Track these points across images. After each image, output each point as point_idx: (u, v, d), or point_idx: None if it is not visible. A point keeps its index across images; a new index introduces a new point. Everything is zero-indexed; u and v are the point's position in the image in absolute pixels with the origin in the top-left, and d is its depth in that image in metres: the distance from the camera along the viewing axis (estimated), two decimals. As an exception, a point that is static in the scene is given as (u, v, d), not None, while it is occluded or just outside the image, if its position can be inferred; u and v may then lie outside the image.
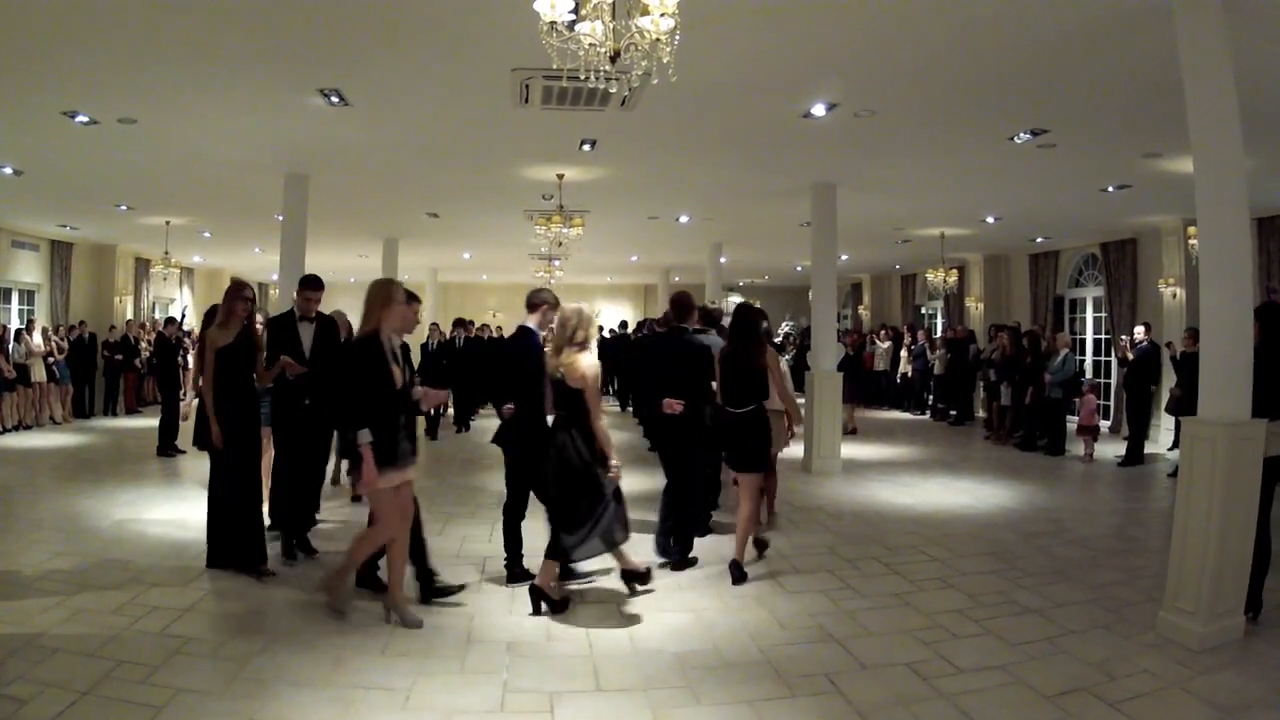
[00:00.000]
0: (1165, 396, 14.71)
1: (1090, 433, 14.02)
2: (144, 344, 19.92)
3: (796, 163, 11.72)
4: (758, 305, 7.98)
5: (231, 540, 7.20)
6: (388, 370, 6.00)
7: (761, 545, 8.06)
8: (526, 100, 8.81)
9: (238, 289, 7.55)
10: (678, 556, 7.64)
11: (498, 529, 8.82)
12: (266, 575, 7.07)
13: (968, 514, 9.90)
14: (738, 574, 7.22)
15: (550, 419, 6.69)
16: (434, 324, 18.12)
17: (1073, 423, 15.58)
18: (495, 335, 23.91)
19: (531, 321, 7.15)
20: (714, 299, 10.20)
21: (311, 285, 8.28)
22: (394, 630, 5.97)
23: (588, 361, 6.26)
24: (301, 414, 7.81)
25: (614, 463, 6.36)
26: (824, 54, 7.65)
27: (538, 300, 7.16)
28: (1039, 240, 19.38)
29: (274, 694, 4.94)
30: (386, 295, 6.19)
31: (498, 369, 7.75)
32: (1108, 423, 17.08)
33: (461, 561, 7.67)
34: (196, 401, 7.59)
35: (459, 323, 18.84)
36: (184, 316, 24.28)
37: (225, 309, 7.39)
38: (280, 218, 13.04)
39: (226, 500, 7.21)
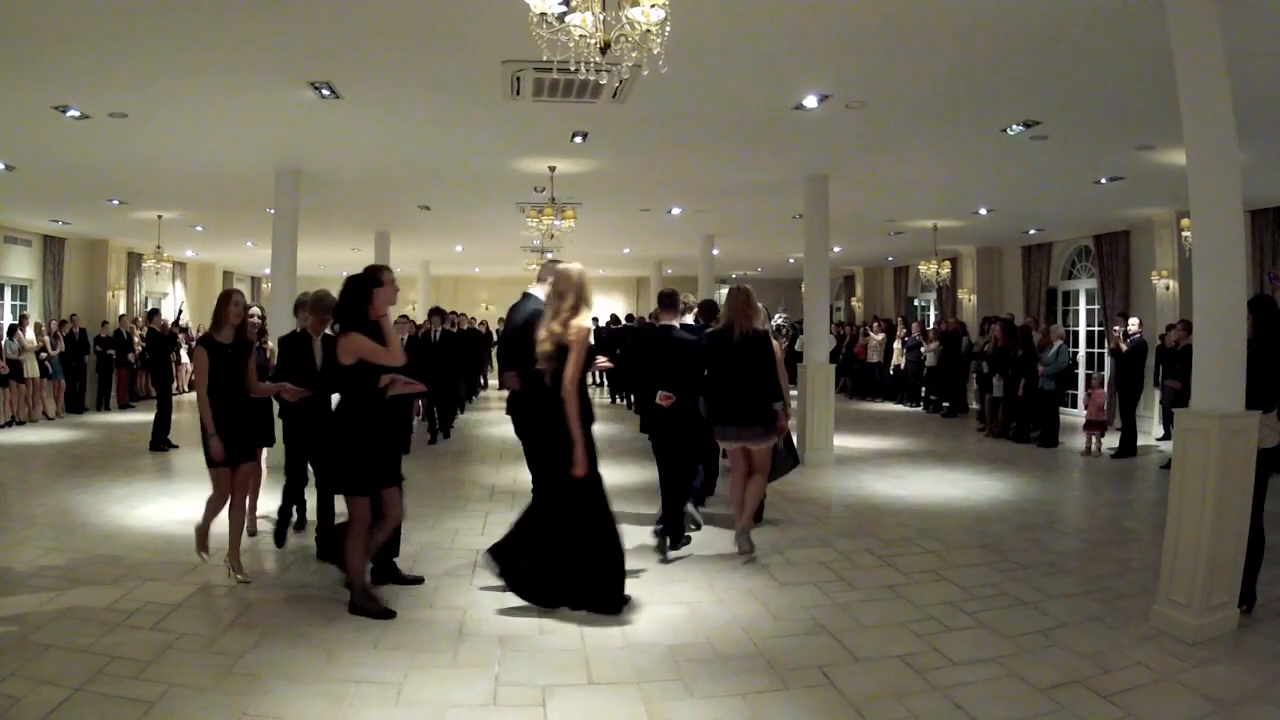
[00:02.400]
0: (1158, 389, 14.75)
1: (1097, 428, 13.94)
2: (137, 338, 19.89)
3: (788, 155, 11.70)
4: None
5: (586, 582, 6.29)
6: None
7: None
8: (518, 92, 8.78)
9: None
10: (673, 540, 7.79)
11: (490, 521, 8.86)
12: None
13: (961, 506, 9.91)
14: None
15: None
16: (403, 316, 15.89)
17: (1075, 416, 15.61)
18: (472, 327, 23.27)
19: (690, 318, 8.67)
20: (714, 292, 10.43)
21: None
22: (386, 625, 5.96)
23: (779, 344, 7.94)
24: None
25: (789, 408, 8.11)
26: (815, 45, 7.63)
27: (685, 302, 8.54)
28: (1032, 232, 19.38)
29: (266, 688, 4.93)
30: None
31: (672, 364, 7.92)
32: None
33: (454, 555, 7.64)
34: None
35: (435, 312, 15.95)
36: (180, 313, 24.27)
37: (581, 296, 6.33)
38: (272, 211, 13.00)
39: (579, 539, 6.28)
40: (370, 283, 6.21)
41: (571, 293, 6.23)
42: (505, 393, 7.51)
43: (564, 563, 6.26)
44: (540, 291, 7.10)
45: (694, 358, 7.82)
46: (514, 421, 7.40)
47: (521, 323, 6.99)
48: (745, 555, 7.63)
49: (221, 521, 6.99)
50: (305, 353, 7.66)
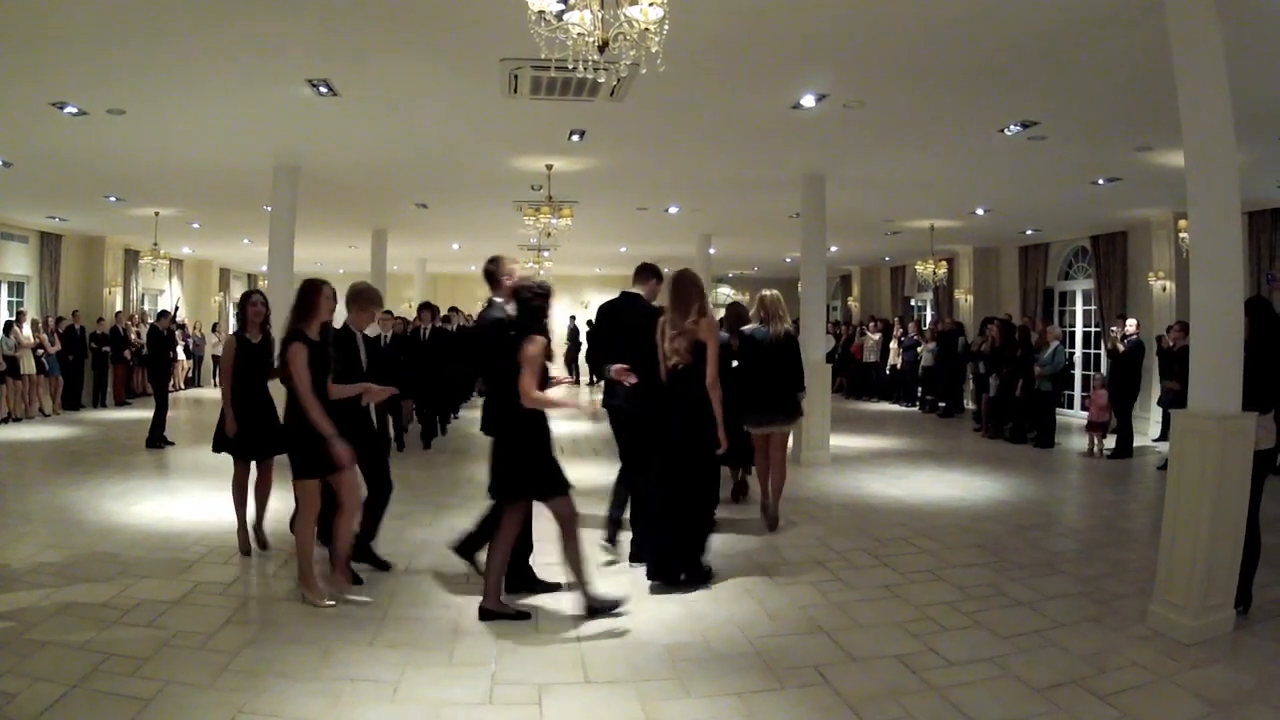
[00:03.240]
0: (1155, 390, 14.76)
1: (1099, 429, 13.91)
2: (134, 334, 19.89)
3: (786, 154, 11.70)
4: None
5: (686, 551, 6.90)
6: None
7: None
8: (515, 90, 8.77)
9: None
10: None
11: (487, 521, 8.85)
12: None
13: (957, 506, 9.92)
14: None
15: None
16: (387, 312, 14.19)
17: (1071, 417, 15.54)
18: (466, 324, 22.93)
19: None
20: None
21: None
22: (382, 622, 5.96)
23: None
24: None
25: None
26: (814, 44, 7.63)
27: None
28: (1029, 232, 19.39)
29: (262, 686, 4.92)
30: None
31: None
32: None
33: (451, 553, 7.62)
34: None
35: (425, 308, 15.56)
36: (177, 309, 24.22)
37: (705, 297, 7.17)
38: (269, 208, 12.99)
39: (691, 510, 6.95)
40: (549, 297, 6.26)
41: (698, 296, 6.97)
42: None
43: (683, 536, 6.89)
44: (642, 290, 7.73)
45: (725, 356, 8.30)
46: (618, 412, 7.60)
47: (640, 320, 7.37)
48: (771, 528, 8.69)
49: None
50: (350, 349, 7.02)
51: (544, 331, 6.11)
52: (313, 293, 6.39)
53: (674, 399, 6.91)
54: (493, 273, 6.90)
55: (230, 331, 7.44)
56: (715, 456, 7.00)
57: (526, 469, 6.01)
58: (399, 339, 13.75)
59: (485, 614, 6.06)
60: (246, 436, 7.58)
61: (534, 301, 6.16)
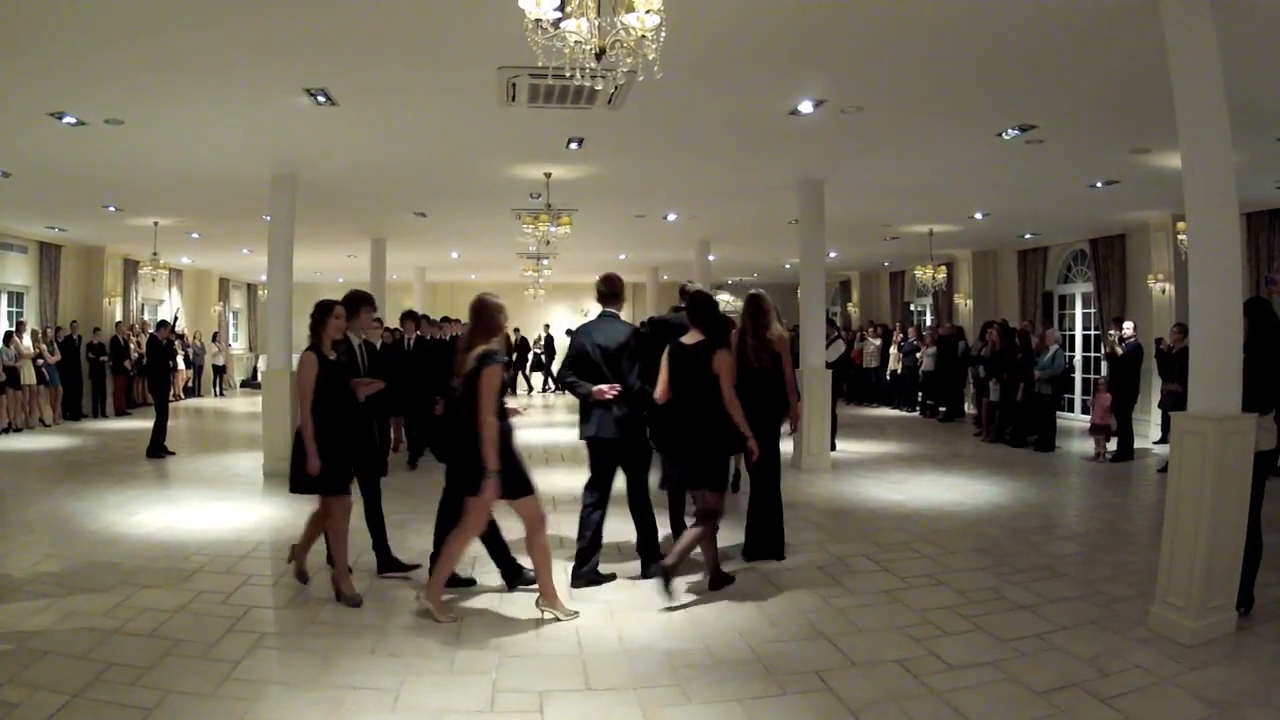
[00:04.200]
0: (1155, 392, 14.76)
1: (1103, 432, 13.80)
2: (134, 344, 19.91)
3: (784, 159, 11.71)
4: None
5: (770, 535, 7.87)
6: None
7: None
8: (513, 99, 8.79)
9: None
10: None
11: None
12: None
13: (958, 511, 9.90)
14: None
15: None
16: (377, 320, 12.78)
17: (1071, 420, 15.47)
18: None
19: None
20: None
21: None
22: (383, 630, 5.96)
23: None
24: None
25: None
26: (811, 50, 7.64)
27: None
28: (1027, 236, 19.40)
29: (264, 695, 4.93)
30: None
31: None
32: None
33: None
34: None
35: (409, 316, 13.96)
36: (176, 319, 24.24)
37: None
38: (268, 218, 12.99)
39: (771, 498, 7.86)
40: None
41: (773, 313, 7.84)
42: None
43: (765, 520, 7.91)
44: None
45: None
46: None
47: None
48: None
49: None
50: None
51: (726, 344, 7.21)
52: (496, 312, 6.19)
53: (749, 395, 7.40)
54: (616, 293, 7.56)
55: (305, 348, 6.73)
56: (775, 445, 7.76)
57: (723, 465, 7.07)
58: (385, 348, 12.68)
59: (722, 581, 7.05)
60: (340, 466, 6.60)
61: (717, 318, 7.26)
